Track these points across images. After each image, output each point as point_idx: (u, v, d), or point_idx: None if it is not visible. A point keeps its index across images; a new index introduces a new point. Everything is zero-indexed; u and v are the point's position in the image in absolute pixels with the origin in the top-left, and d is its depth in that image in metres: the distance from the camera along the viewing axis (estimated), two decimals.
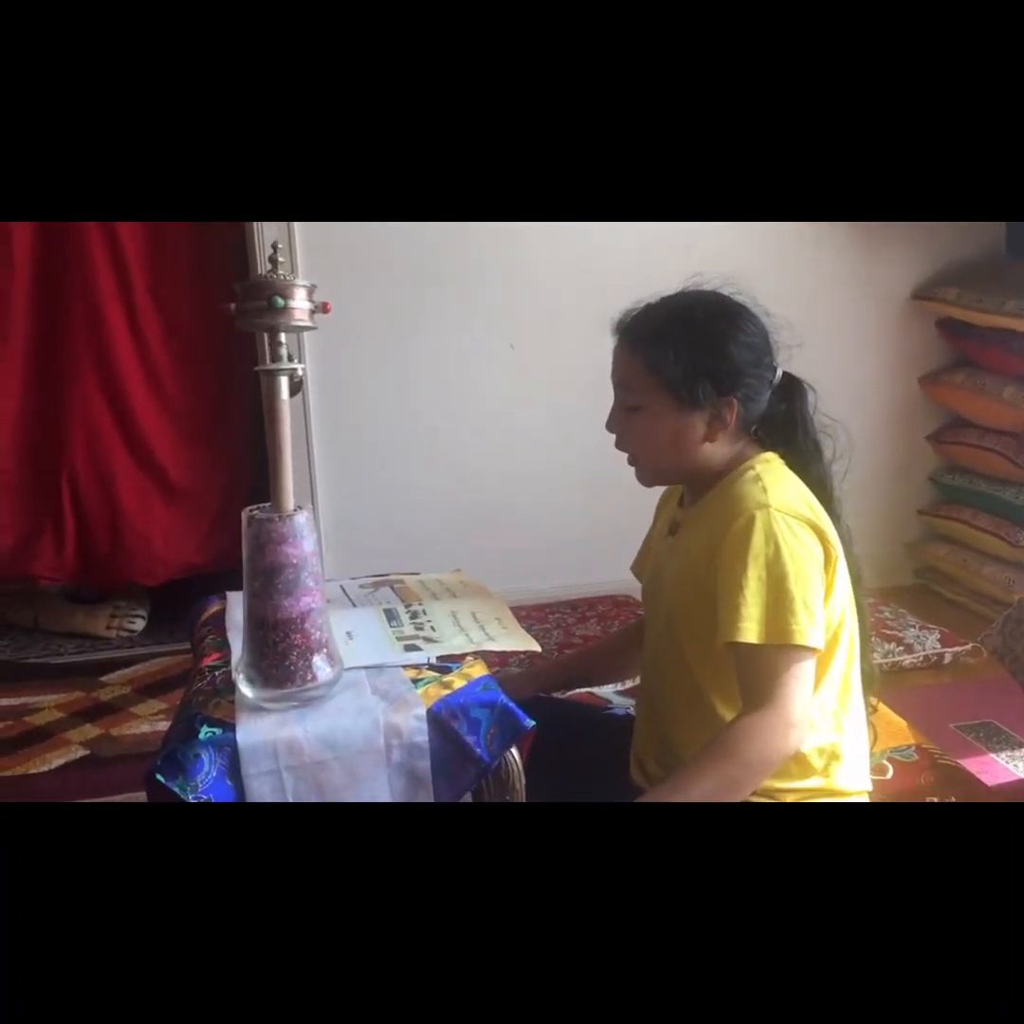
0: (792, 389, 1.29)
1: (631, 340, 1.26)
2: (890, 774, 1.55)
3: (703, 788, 1.11)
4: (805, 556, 1.16)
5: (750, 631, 1.13)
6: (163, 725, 2.11)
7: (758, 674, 1.15)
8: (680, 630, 1.28)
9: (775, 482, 1.21)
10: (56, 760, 2.10)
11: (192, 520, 2.70)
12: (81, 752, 2.14)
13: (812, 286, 2.80)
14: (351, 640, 1.27)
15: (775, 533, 1.15)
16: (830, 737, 1.25)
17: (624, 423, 1.28)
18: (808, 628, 1.14)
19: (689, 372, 1.22)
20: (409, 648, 1.26)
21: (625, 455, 1.31)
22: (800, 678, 1.14)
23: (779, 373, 1.28)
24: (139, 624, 2.79)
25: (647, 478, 1.32)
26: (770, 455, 1.27)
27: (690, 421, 1.24)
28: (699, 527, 1.27)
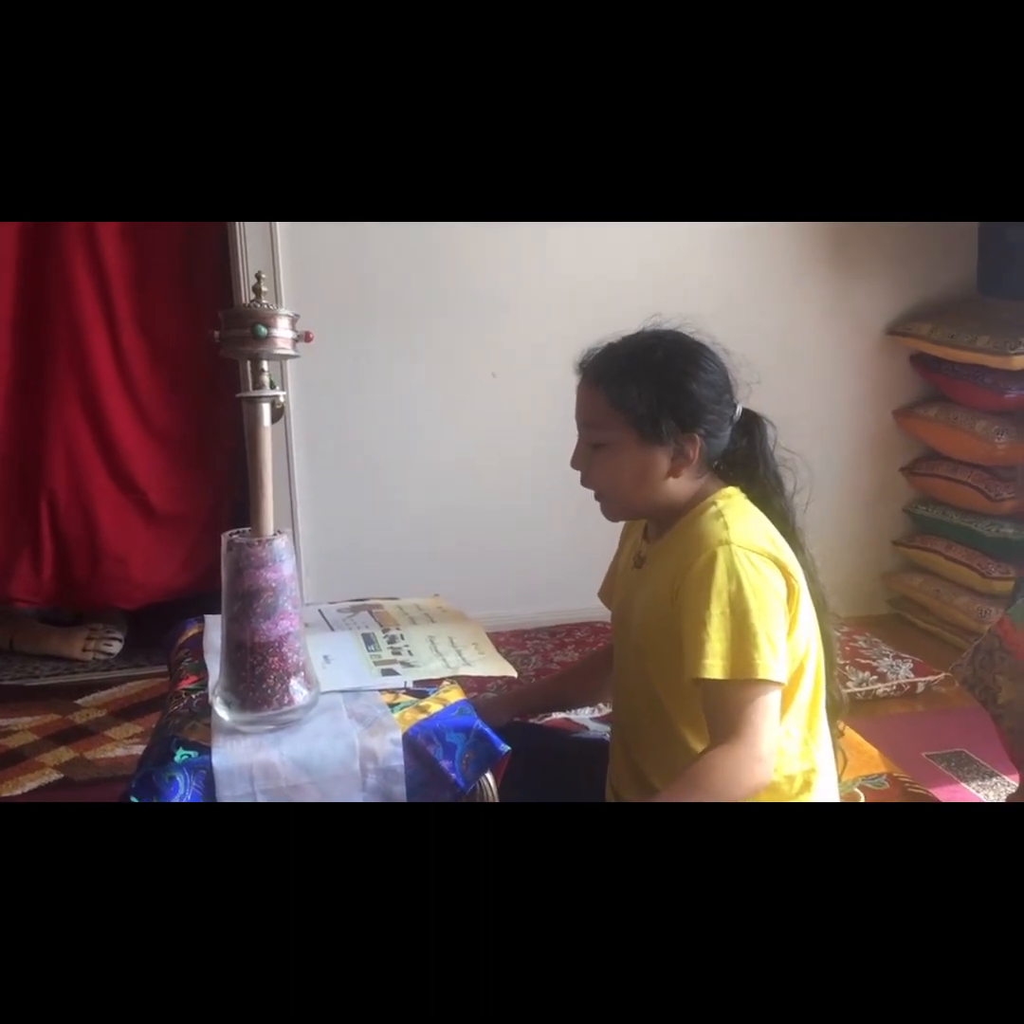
0: (752, 425, 1.31)
1: (595, 378, 1.28)
2: (862, 802, 1.57)
3: None
4: (767, 591, 1.18)
5: (715, 667, 1.15)
6: (138, 748, 2.09)
7: (724, 709, 1.16)
8: (648, 663, 1.29)
9: (736, 517, 1.23)
10: (30, 783, 2.08)
11: (173, 544, 2.69)
12: (55, 775, 2.12)
13: (790, 321, 2.84)
14: (328, 664, 1.28)
15: (737, 569, 1.17)
16: (801, 765, 1.26)
17: (589, 460, 1.30)
18: (772, 662, 1.15)
19: (653, 408, 1.24)
20: (386, 672, 1.27)
21: None
22: (766, 712, 1.16)
23: (739, 410, 1.30)
24: (116, 647, 2.77)
25: (613, 514, 1.34)
26: (732, 490, 1.29)
27: (654, 457, 1.26)
28: (663, 562, 1.28)
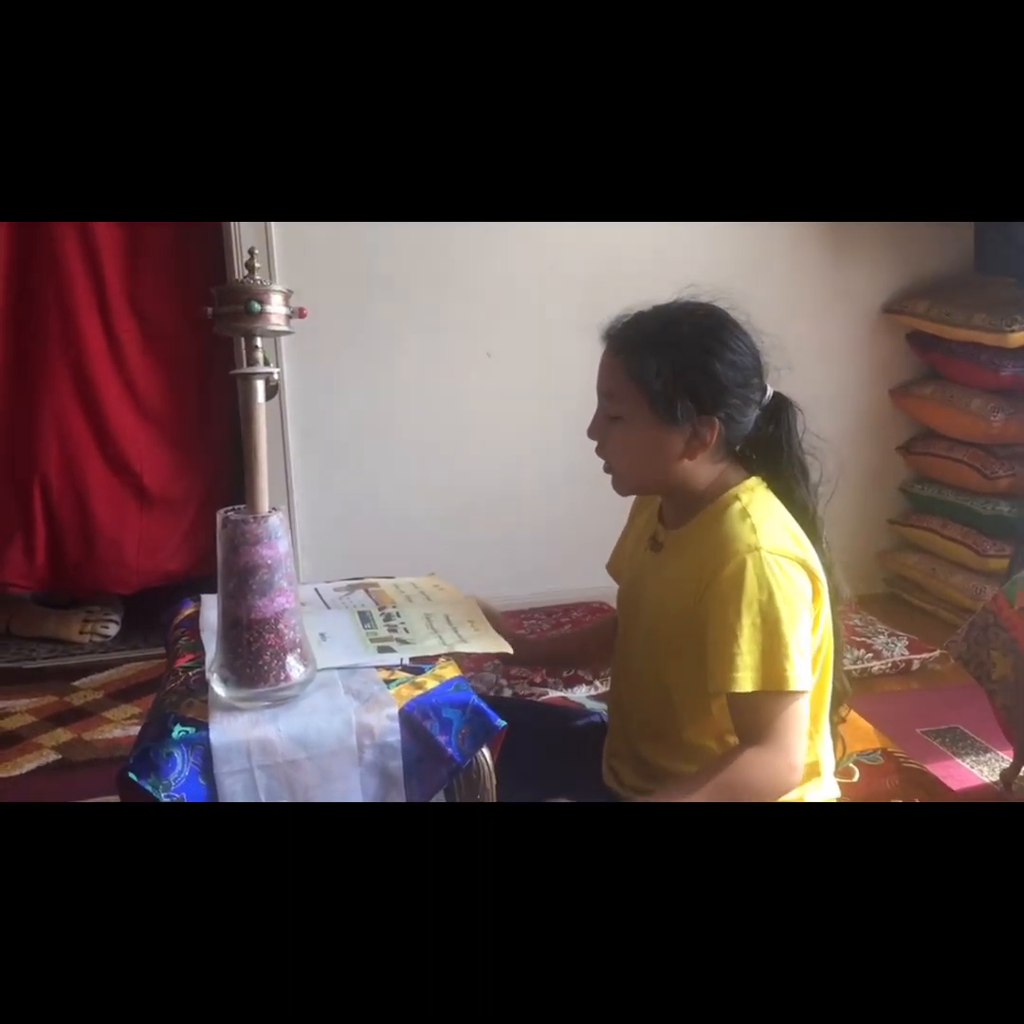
0: (780, 410, 1.27)
1: (617, 348, 1.24)
2: (856, 777, 1.57)
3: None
4: (796, 597, 1.16)
5: (746, 680, 1.14)
6: (136, 730, 2.09)
7: (755, 718, 1.16)
8: (662, 657, 1.28)
9: (763, 518, 1.19)
10: (27, 765, 2.09)
11: (167, 528, 2.68)
12: (53, 757, 2.13)
13: (785, 299, 2.83)
14: (325, 641, 1.28)
15: (768, 578, 1.14)
16: (807, 757, 1.26)
17: (605, 431, 1.26)
18: (801, 672, 1.15)
19: (670, 387, 1.19)
20: (382, 649, 1.27)
21: (601, 462, 1.30)
22: (796, 720, 1.16)
23: (769, 393, 1.26)
24: (112, 629, 2.77)
25: (624, 488, 1.31)
26: (754, 481, 1.25)
27: (668, 437, 1.22)
28: (685, 557, 1.25)
